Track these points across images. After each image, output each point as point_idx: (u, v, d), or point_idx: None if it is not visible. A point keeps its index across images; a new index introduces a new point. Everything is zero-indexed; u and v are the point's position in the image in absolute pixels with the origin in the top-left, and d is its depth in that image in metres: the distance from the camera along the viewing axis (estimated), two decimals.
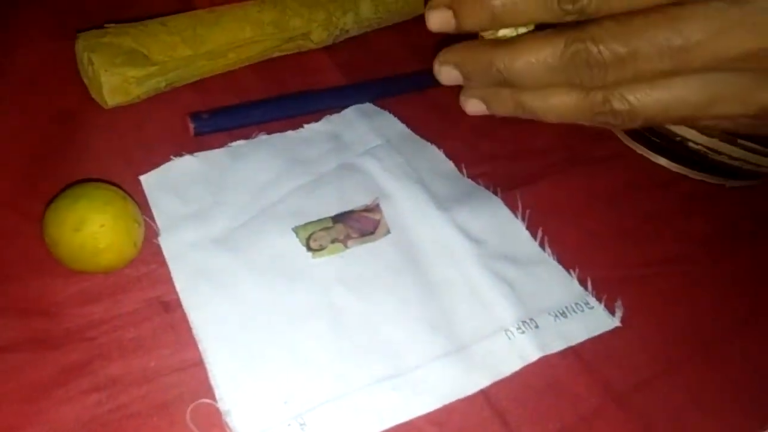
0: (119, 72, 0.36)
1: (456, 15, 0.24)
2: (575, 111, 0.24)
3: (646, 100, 0.22)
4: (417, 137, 0.40)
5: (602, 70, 0.22)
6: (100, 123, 0.38)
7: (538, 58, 0.23)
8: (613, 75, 0.22)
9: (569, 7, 0.22)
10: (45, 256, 0.29)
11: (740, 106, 0.22)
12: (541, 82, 0.24)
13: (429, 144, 0.39)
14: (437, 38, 0.42)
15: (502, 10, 0.23)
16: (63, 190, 0.30)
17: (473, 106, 0.26)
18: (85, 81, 0.39)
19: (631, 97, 0.23)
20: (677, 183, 0.39)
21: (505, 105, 0.26)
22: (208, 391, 0.27)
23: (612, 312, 0.31)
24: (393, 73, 0.44)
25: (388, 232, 0.34)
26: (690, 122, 0.26)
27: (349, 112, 0.41)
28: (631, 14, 0.21)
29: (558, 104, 0.24)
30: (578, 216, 0.36)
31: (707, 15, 0.20)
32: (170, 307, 0.29)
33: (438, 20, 0.25)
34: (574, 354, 0.30)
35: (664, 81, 0.22)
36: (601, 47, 0.21)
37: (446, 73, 0.26)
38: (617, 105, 0.23)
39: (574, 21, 0.22)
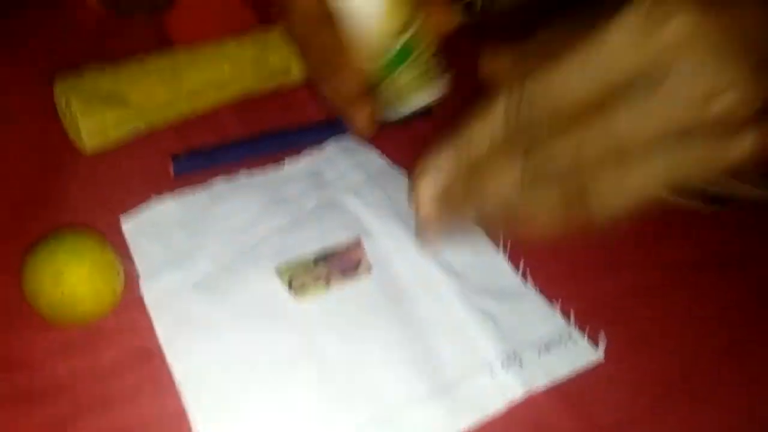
0: (97, 115, 0.36)
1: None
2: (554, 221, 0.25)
3: (613, 198, 0.24)
4: (398, 171, 0.40)
5: (557, 180, 0.24)
6: (80, 166, 0.37)
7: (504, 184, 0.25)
8: (567, 182, 0.24)
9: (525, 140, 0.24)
10: (24, 308, 0.29)
11: (707, 172, 0.24)
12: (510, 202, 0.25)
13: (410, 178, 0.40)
14: None
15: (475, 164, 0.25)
16: (42, 238, 0.29)
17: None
18: (65, 124, 0.39)
19: (599, 198, 0.24)
20: (657, 210, 0.39)
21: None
22: None
23: (595, 343, 0.31)
24: None
25: (370, 269, 0.34)
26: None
27: (330, 148, 0.41)
28: (571, 127, 0.23)
29: (543, 220, 0.25)
30: (559, 248, 0.36)
31: (631, 108, 0.23)
32: (152, 356, 0.29)
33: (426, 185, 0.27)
34: (558, 392, 0.30)
35: (625, 173, 0.24)
36: (552, 164, 0.24)
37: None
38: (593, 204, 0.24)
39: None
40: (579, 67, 0.24)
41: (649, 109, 0.23)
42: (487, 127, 0.25)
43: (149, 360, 0.29)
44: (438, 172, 0.27)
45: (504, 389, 0.29)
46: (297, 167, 0.40)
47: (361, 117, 0.35)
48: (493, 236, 0.27)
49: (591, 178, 0.24)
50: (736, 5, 0.23)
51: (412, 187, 0.27)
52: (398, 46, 0.35)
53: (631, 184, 0.24)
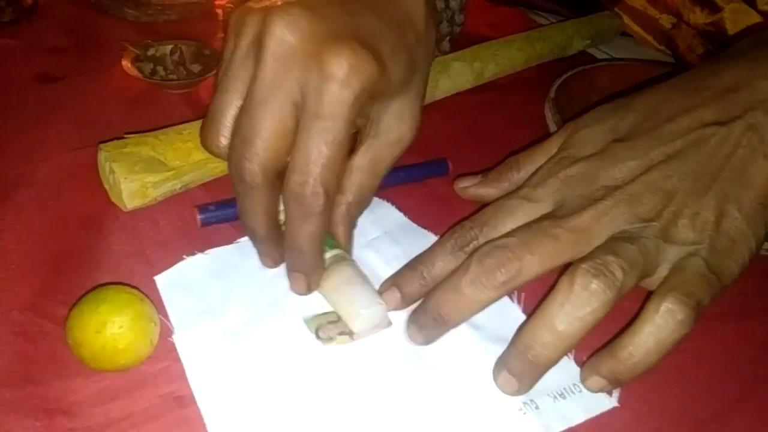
0: (138, 178, 0.39)
1: (400, 291, 0.34)
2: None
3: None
4: (416, 226, 0.42)
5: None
6: (119, 225, 0.40)
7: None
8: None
9: (468, 250, 0.33)
10: (67, 358, 0.31)
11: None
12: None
13: (428, 233, 0.42)
14: (434, 131, 0.46)
15: (430, 277, 0.34)
16: (86, 293, 0.32)
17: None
18: (106, 187, 0.42)
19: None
20: None
21: None
22: None
23: (609, 392, 0.32)
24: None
25: (390, 323, 0.35)
26: None
27: None
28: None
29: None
30: None
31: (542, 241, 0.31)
32: (184, 403, 0.31)
33: (390, 300, 0.35)
34: None
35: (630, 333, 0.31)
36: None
37: (387, 297, 0.35)
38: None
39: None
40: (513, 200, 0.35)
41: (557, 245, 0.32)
42: (445, 248, 0.35)
43: (182, 406, 0.31)
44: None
45: None
46: None
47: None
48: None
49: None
50: None
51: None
52: None
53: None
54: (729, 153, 0.32)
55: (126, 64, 0.53)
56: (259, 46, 0.31)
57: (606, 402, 0.32)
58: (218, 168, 0.43)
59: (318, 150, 0.30)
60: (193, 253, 0.38)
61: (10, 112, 0.50)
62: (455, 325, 0.32)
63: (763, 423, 0.32)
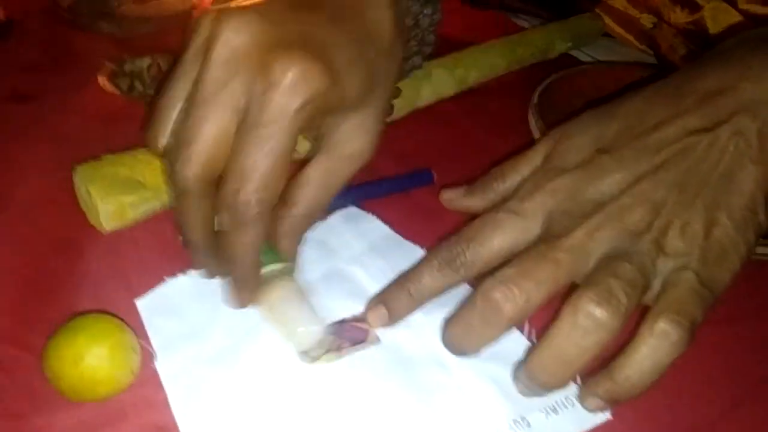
0: (116, 199, 0.39)
1: (387, 309, 0.34)
2: None
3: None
4: (401, 239, 0.41)
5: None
6: (98, 248, 0.39)
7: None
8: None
9: (455, 266, 0.33)
10: (46, 390, 0.30)
11: None
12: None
13: (414, 246, 0.41)
14: (416, 140, 0.46)
15: (418, 293, 0.33)
16: (63, 323, 0.31)
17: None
18: (84, 209, 0.41)
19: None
20: None
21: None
22: None
23: (606, 410, 0.32)
24: (375, 176, 0.46)
25: (378, 340, 0.35)
26: None
27: (334, 218, 0.43)
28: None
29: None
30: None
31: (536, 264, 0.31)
32: (167, 431, 0.30)
33: (377, 319, 0.34)
34: None
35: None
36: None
37: (373, 316, 0.35)
38: None
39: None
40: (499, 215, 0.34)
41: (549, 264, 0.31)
42: (432, 264, 0.34)
43: None
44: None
45: None
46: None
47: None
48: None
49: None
50: None
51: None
52: None
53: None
54: (716, 160, 0.31)
55: (102, 80, 0.52)
56: (207, 47, 0.30)
57: (599, 415, 0.32)
58: None
59: (255, 158, 0.29)
60: (174, 275, 0.37)
61: None
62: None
63: (757, 430, 0.32)
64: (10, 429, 0.30)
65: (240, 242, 0.31)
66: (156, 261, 0.39)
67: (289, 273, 0.35)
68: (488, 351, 0.34)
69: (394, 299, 0.34)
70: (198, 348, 0.34)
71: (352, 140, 0.35)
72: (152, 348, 0.33)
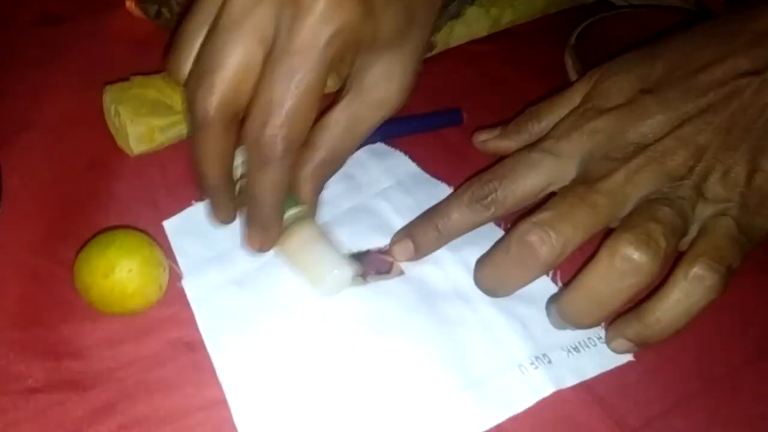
0: (145, 122, 0.38)
1: (413, 242, 0.34)
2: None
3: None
4: (428, 176, 0.41)
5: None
6: (126, 170, 0.39)
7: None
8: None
9: (486, 203, 0.32)
10: (75, 301, 0.31)
11: None
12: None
13: (440, 183, 0.40)
14: (447, 80, 0.45)
15: (445, 229, 0.33)
16: (93, 236, 0.31)
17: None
18: (112, 131, 0.41)
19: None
20: None
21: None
22: (231, 429, 0.28)
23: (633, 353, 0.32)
24: (405, 114, 0.45)
25: (402, 272, 0.35)
26: None
27: (362, 153, 0.42)
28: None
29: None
30: (588, 254, 0.37)
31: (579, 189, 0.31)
32: (193, 348, 0.30)
33: (402, 252, 0.34)
34: (587, 389, 0.30)
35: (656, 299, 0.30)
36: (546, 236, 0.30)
37: (399, 249, 0.34)
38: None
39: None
40: (533, 153, 0.33)
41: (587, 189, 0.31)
42: (461, 201, 0.33)
43: (191, 351, 0.30)
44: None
45: (534, 386, 0.30)
46: None
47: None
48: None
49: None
50: None
51: None
52: None
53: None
54: (764, 105, 0.30)
55: (130, 4, 0.51)
56: None
57: (621, 356, 0.32)
58: None
59: (283, 89, 0.26)
60: (202, 199, 0.37)
61: (13, 55, 0.49)
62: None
63: None
64: (40, 337, 0.30)
65: (263, 181, 0.28)
66: (183, 186, 0.39)
67: (308, 217, 0.33)
68: (518, 292, 0.34)
69: (421, 233, 0.34)
70: (224, 271, 0.34)
71: (383, 85, 0.33)
72: (179, 268, 0.34)
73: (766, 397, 0.31)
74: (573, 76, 0.44)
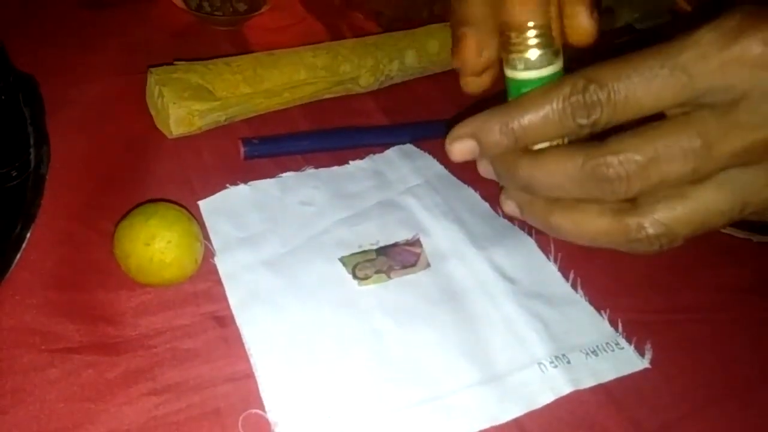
0: (186, 105, 0.39)
1: (479, 143, 0.26)
2: (607, 236, 0.24)
3: (680, 216, 0.23)
4: (454, 178, 0.42)
5: (624, 182, 0.23)
6: (164, 151, 0.40)
7: (558, 172, 0.24)
8: (636, 186, 0.23)
9: (584, 121, 0.23)
10: (112, 269, 0.32)
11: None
12: (564, 195, 0.25)
13: (465, 186, 0.41)
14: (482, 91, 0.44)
15: (523, 133, 0.25)
16: (135, 207, 0.32)
17: (509, 207, 0.27)
18: (152, 112, 0.42)
19: (664, 218, 0.23)
20: (705, 236, 0.40)
21: (536, 219, 0.26)
22: (258, 402, 0.28)
23: (642, 354, 0.32)
24: (433, 118, 0.47)
25: (428, 265, 0.35)
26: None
27: (392, 153, 0.43)
28: (644, 126, 0.23)
29: (589, 228, 0.24)
30: (608, 262, 0.38)
31: (709, 120, 0.22)
32: (224, 322, 0.31)
33: (462, 151, 0.26)
34: (604, 391, 0.31)
35: (693, 191, 0.23)
36: (621, 158, 0.23)
37: (460, 147, 0.26)
38: (652, 230, 0.23)
39: (591, 134, 0.24)
40: (655, 67, 0.23)
41: (729, 126, 0.22)
42: (547, 109, 0.24)
43: (221, 326, 0.31)
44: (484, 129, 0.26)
45: (552, 385, 0.31)
46: (360, 167, 0.42)
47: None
48: (528, 219, 0.26)
49: (658, 190, 0.23)
50: None
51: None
52: None
53: (699, 212, 0.23)
54: None
55: None
56: None
57: (638, 362, 0.32)
58: (263, 104, 0.43)
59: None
60: (236, 183, 0.38)
61: (56, 35, 0.50)
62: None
63: None
64: (76, 300, 0.31)
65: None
66: (218, 171, 0.40)
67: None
68: (533, 290, 0.35)
69: (488, 132, 0.25)
70: (255, 252, 0.35)
71: None
72: (212, 246, 0.34)
73: None
74: None
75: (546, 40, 0.25)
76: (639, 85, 0.23)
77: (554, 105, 0.24)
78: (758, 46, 0.22)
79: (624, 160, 0.23)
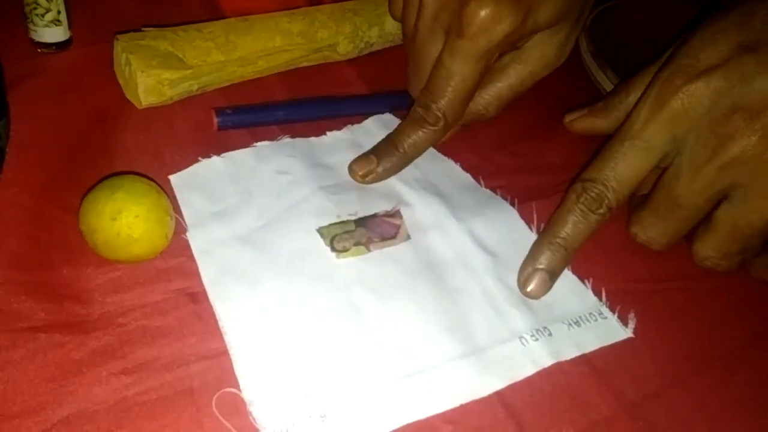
0: (155, 74, 0.38)
1: (546, 270, 0.33)
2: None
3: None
4: (434, 151, 0.41)
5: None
6: (134, 122, 0.39)
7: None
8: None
9: (601, 210, 0.32)
10: (79, 246, 0.31)
11: None
12: None
13: (446, 158, 0.40)
14: None
15: (567, 243, 0.33)
16: (100, 180, 0.31)
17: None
18: (121, 81, 0.40)
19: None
20: None
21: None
22: (232, 380, 0.27)
23: (625, 323, 0.32)
24: None
25: (408, 237, 0.35)
26: None
27: (370, 122, 0.42)
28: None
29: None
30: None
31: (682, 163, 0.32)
32: (197, 299, 0.30)
33: (542, 290, 0.33)
34: (586, 362, 0.31)
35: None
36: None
37: (540, 285, 0.33)
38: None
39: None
40: (620, 146, 0.33)
41: (693, 162, 0.32)
42: (571, 218, 0.33)
43: (193, 302, 0.30)
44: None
45: (533, 357, 0.30)
46: (339, 137, 0.41)
47: None
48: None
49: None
50: None
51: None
52: None
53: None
54: None
55: None
56: None
57: (621, 332, 0.32)
58: (237, 72, 0.42)
59: (444, 85, 0.36)
60: (208, 156, 0.37)
61: (18, 3, 0.48)
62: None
63: None
64: (41, 278, 0.30)
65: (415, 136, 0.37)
66: (189, 142, 0.38)
67: None
68: (515, 262, 0.34)
69: (551, 259, 0.33)
70: (229, 226, 0.34)
71: (539, 54, 0.39)
72: (184, 221, 0.33)
73: (760, 379, 0.31)
74: (586, 56, 0.45)
75: None
76: (619, 165, 0.32)
77: (576, 215, 0.33)
78: (677, 102, 0.31)
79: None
